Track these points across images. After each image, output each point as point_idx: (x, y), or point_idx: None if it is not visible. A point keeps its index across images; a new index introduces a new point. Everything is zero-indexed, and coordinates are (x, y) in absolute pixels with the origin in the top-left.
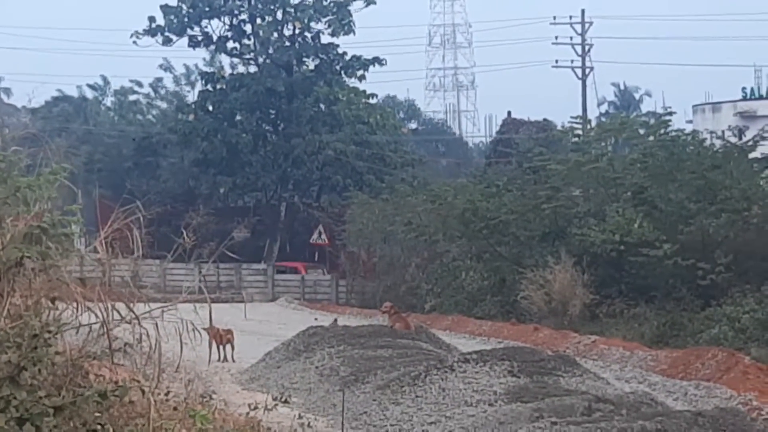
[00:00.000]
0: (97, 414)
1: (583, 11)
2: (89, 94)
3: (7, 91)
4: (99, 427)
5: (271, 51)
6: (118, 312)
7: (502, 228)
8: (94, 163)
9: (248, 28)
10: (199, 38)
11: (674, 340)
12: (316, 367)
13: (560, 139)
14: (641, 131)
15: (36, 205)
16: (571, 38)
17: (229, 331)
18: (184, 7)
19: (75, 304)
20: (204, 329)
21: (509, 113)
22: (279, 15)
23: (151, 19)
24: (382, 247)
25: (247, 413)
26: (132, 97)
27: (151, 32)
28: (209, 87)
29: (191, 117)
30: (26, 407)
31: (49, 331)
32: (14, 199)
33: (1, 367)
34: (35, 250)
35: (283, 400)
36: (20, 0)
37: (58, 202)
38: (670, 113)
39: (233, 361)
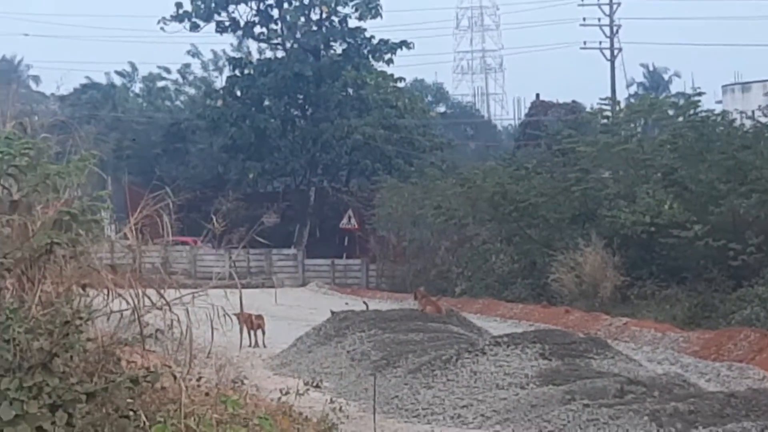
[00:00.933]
0: (129, 400)
1: None
2: (117, 80)
3: (36, 78)
4: (131, 413)
5: (298, 35)
6: (149, 298)
7: (532, 211)
8: (123, 150)
9: (275, 12)
10: (227, 24)
11: (706, 322)
12: (348, 352)
13: (589, 121)
14: (670, 112)
15: (66, 192)
16: (599, 19)
17: (260, 317)
18: None
19: (106, 291)
20: (235, 314)
21: (538, 96)
22: None
23: (179, 5)
24: (412, 231)
25: (279, 398)
26: (160, 84)
27: (178, 18)
28: (237, 72)
29: (219, 103)
30: (59, 394)
31: (81, 318)
32: (44, 187)
33: (33, 354)
34: (65, 237)
35: (314, 384)
36: None
37: (88, 189)
38: (700, 94)
39: (264, 346)
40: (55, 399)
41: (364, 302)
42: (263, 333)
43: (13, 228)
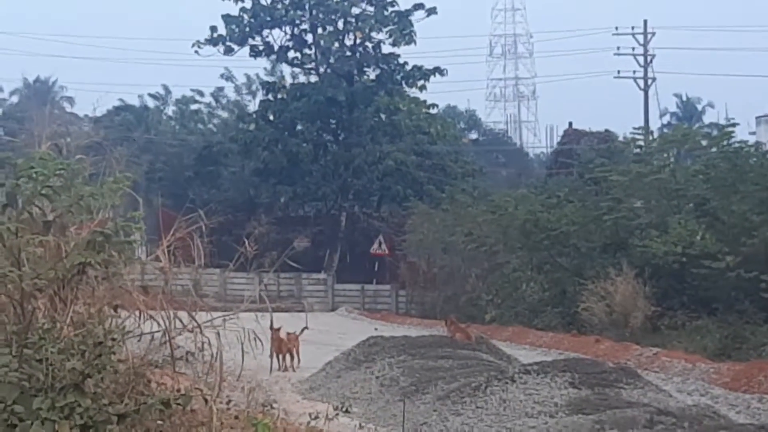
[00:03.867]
0: (159, 422)
1: (645, 22)
2: (151, 103)
3: (70, 99)
4: None
5: (332, 61)
6: (180, 320)
7: (563, 239)
8: (156, 172)
9: (309, 37)
10: (261, 48)
11: (737, 353)
12: (377, 377)
13: (622, 150)
14: (704, 142)
15: (99, 213)
16: (633, 49)
17: (291, 339)
18: (245, 16)
19: (137, 313)
20: (272, 329)
21: (570, 124)
22: (340, 25)
23: (213, 28)
24: (443, 258)
25: (308, 423)
26: (193, 107)
27: (212, 42)
28: (270, 96)
29: (252, 126)
30: (90, 415)
31: (113, 339)
32: (78, 208)
33: (65, 374)
34: (98, 258)
35: (344, 409)
36: (84, 11)
37: (121, 210)
38: (733, 124)
39: (294, 370)
40: (87, 420)
41: (375, 328)
42: (292, 357)
43: (46, 248)
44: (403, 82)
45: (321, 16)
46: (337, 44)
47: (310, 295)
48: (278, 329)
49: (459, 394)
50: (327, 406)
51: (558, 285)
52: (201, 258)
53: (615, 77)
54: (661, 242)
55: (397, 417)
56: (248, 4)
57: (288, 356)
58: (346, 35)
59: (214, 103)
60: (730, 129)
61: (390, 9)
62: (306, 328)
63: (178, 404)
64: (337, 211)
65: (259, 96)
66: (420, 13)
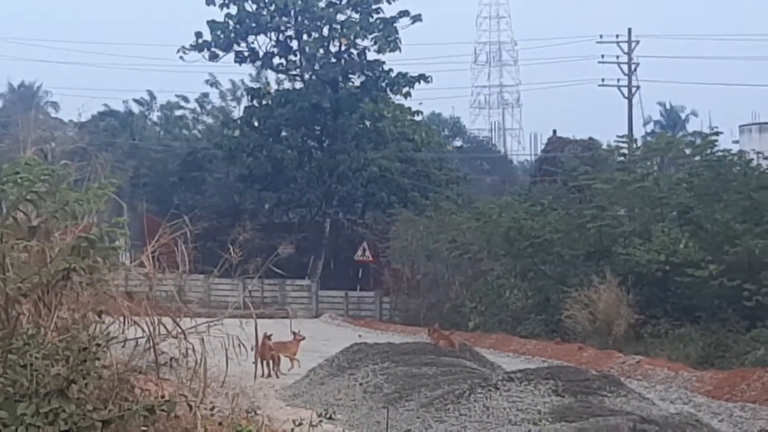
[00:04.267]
0: (144, 428)
1: (629, 30)
2: (135, 108)
3: (55, 105)
4: None
5: (317, 67)
6: (165, 326)
7: (547, 247)
8: (140, 178)
9: (294, 44)
10: (246, 54)
11: (719, 361)
12: (360, 384)
13: (606, 158)
14: (687, 151)
15: (84, 219)
16: (618, 57)
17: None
18: (230, 22)
19: (122, 318)
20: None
21: (554, 132)
22: (325, 31)
23: (198, 34)
24: (426, 265)
25: (292, 429)
26: (178, 113)
27: (197, 47)
28: (255, 103)
29: (237, 132)
30: (74, 420)
31: (98, 345)
32: (63, 213)
33: (49, 380)
34: (83, 263)
35: (327, 416)
36: (68, 16)
37: (105, 216)
38: (717, 133)
39: (278, 376)
40: (71, 426)
41: (359, 335)
42: (276, 363)
43: (30, 253)
44: (388, 89)
45: (306, 22)
46: (322, 51)
47: (294, 301)
48: (269, 336)
49: (442, 401)
50: (311, 412)
51: (541, 292)
52: (185, 264)
53: (599, 85)
54: (645, 250)
55: (380, 424)
56: (233, 11)
57: (272, 362)
58: (332, 42)
59: (198, 109)
60: (713, 137)
61: (375, 16)
62: (297, 335)
63: (163, 410)
64: (321, 217)
65: (244, 102)
66: (405, 20)
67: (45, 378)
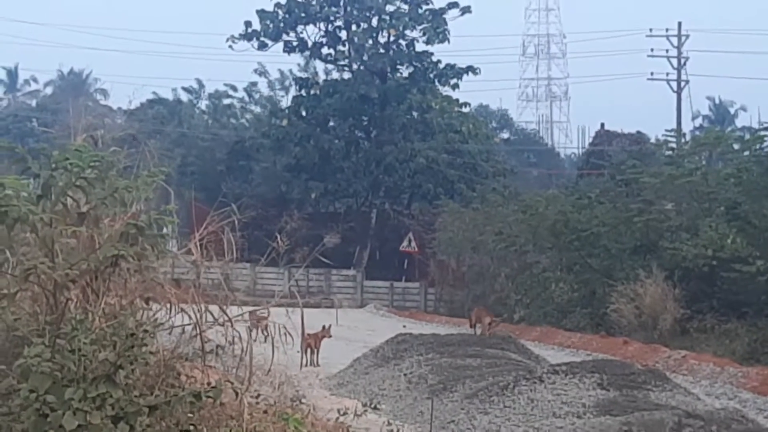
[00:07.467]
0: (190, 414)
1: (679, 24)
2: (184, 97)
3: (104, 92)
4: (192, 427)
5: (365, 58)
6: (211, 314)
7: (593, 240)
8: (188, 166)
9: (343, 34)
10: (294, 44)
11: (766, 357)
12: (405, 375)
13: (654, 152)
14: (736, 146)
15: (133, 206)
16: (667, 51)
17: (315, 336)
18: (280, 12)
19: (169, 305)
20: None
21: (602, 125)
22: (374, 22)
23: (248, 23)
24: (472, 257)
25: (337, 418)
26: (226, 101)
27: (247, 37)
28: (303, 92)
29: (284, 122)
30: (121, 406)
31: (145, 331)
32: (112, 200)
33: (97, 365)
34: (131, 250)
35: (372, 406)
36: (119, 3)
37: (153, 203)
38: (766, 128)
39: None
40: (118, 411)
41: (404, 326)
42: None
43: (79, 240)
44: (436, 81)
45: (355, 13)
46: (370, 41)
47: (339, 291)
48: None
49: (487, 392)
50: (355, 402)
51: (587, 286)
52: (232, 252)
53: (648, 79)
54: (692, 245)
55: (424, 415)
56: (283, 0)
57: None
58: (380, 32)
59: (247, 98)
60: (762, 133)
61: (424, 7)
62: (325, 330)
63: (209, 397)
64: (367, 207)
65: (292, 92)
66: (454, 12)
67: (92, 363)
